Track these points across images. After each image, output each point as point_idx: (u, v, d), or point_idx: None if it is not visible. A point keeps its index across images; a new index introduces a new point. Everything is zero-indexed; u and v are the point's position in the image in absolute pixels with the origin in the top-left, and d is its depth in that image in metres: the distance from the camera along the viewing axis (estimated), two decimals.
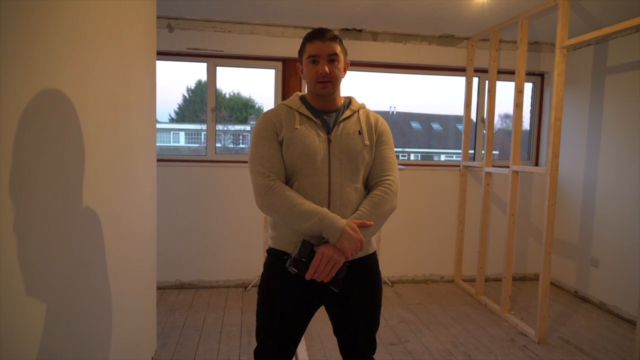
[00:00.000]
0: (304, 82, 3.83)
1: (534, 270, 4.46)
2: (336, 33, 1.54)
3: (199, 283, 3.97)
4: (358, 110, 1.59)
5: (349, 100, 1.62)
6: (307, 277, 1.38)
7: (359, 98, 1.66)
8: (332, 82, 1.50)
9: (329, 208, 1.45)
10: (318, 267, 1.37)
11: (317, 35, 1.49)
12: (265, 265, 1.58)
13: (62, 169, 1.25)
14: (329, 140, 1.50)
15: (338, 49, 1.50)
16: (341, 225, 1.38)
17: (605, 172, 3.73)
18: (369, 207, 1.46)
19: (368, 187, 1.57)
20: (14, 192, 1.01)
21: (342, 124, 1.54)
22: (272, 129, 1.50)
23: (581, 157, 3.99)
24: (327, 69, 1.48)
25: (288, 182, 1.50)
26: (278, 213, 1.42)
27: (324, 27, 1.53)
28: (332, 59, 1.49)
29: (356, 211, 1.47)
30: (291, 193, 1.43)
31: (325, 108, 1.56)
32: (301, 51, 1.55)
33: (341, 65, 1.53)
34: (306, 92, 1.61)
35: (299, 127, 1.49)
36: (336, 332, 1.62)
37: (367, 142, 1.53)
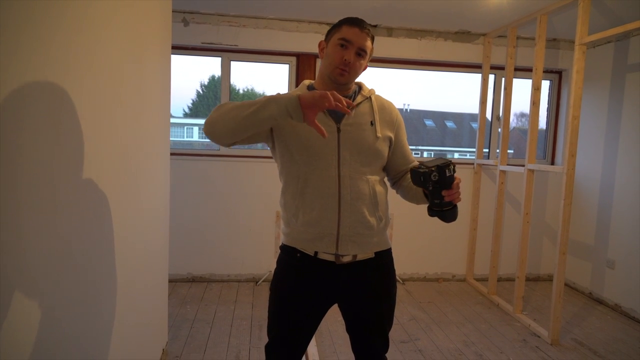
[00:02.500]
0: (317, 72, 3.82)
1: (547, 270, 4.40)
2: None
3: (210, 277, 3.99)
4: (370, 97, 1.51)
5: (359, 86, 1.55)
6: (453, 186, 1.28)
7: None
8: (350, 73, 1.43)
9: (339, 201, 1.41)
10: (458, 184, 1.30)
11: (358, 22, 1.42)
12: (279, 261, 1.55)
13: (74, 161, 1.26)
14: (339, 130, 1.43)
15: (369, 47, 1.45)
16: (294, 95, 1.22)
17: (624, 172, 3.65)
18: None
19: (394, 177, 1.58)
20: (24, 185, 1.02)
21: (353, 111, 1.45)
22: None
23: (598, 157, 3.92)
24: (353, 58, 1.41)
25: (297, 177, 1.44)
26: (225, 119, 1.27)
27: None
28: (361, 52, 1.43)
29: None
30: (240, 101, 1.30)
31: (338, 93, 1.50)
32: (334, 30, 1.46)
33: (365, 62, 1.47)
34: (316, 77, 1.53)
35: None
36: (349, 329, 1.60)
37: (379, 135, 1.47)
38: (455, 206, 1.32)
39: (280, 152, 1.48)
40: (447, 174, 1.27)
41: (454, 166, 1.28)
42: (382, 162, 1.52)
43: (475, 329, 3.20)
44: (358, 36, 1.41)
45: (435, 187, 1.29)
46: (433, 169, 1.26)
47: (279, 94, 1.31)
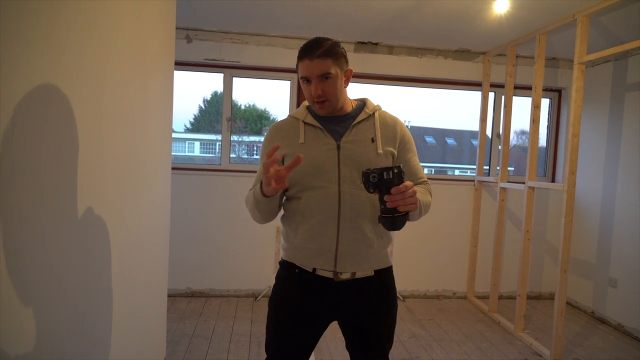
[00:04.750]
0: None
1: (549, 288, 4.36)
2: (328, 44, 1.38)
3: (209, 292, 3.96)
4: (373, 113, 1.50)
5: (363, 103, 1.53)
6: (392, 191, 1.21)
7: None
8: (329, 100, 1.41)
9: (339, 218, 1.40)
10: (407, 190, 1.22)
11: (306, 53, 1.38)
12: (277, 277, 1.55)
13: (75, 174, 1.27)
14: (338, 147, 1.43)
15: (331, 67, 1.37)
16: (258, 190, 1.38)
17: (625, 190, 3.65)
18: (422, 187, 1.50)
19: None
20: (23, 196, 1.02)
21: (354, 128, 1.45)
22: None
23: (599, 175, 3.93)
24: (320, 90, 1.39)
25: (299, 195, 1.45)
26: (252, 212, 1.46)
27: (321, 37, 1.41)
28: (326, 76, 1.38)
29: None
30: (250, 191, 1.48)
31: (333, 114, 1.48)
32: (297, 69, 1.45)
33: (338, 80, 1.41)
34: None
35: (303, 141, 1.44)
36: (349, 347, 1.58)
37: (380, 151, 1.45)
38: (397, 216, 1.25)
39: None
40: (385, 177, 1.23)
41: (398, 172, 1.23)
42: None
43: (476, 347, 3.16)
44: (311, 67, 1.37)
45: (378, 191, 1.26)
46: (374, 170, 1.25)
47: (252, 191, 1.44)
